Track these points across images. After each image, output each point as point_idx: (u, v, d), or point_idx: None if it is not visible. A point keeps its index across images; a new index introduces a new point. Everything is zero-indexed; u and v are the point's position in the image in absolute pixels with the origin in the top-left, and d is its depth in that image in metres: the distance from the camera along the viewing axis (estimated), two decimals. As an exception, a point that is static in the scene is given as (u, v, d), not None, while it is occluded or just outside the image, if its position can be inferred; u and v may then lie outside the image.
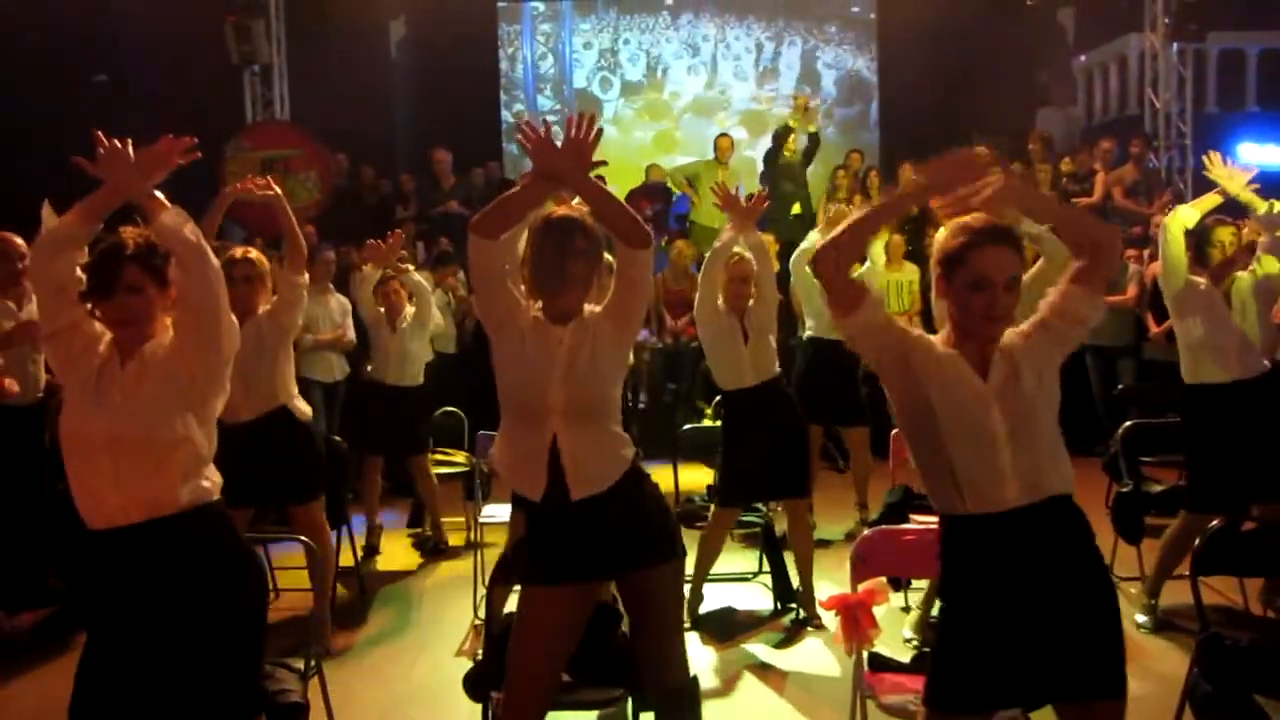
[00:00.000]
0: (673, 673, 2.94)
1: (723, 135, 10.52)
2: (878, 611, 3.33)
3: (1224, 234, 4.74)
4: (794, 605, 5.16)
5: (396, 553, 6.46)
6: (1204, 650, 3.21)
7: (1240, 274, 4.86)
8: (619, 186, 10.90)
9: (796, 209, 10.20)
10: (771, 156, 10.40)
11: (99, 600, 2.63)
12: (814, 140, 10.39)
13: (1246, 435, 4.57)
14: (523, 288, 2.93)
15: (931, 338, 2.54)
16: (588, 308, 2.91)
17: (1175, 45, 11.19)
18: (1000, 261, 2.40)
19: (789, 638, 4.85)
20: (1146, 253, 8.60)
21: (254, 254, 4.53)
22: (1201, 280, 4.71)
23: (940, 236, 2.51)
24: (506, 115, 13.27)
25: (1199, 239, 4.79)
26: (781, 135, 10.31)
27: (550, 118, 13.33)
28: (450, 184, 10.43)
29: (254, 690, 2.75)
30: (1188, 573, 3.41)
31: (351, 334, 7.50)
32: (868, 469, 6.63)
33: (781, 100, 13.17)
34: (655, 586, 2.89)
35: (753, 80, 13.38)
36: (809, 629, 4.93)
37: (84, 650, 2.63)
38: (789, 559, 5.25)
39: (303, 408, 4.70)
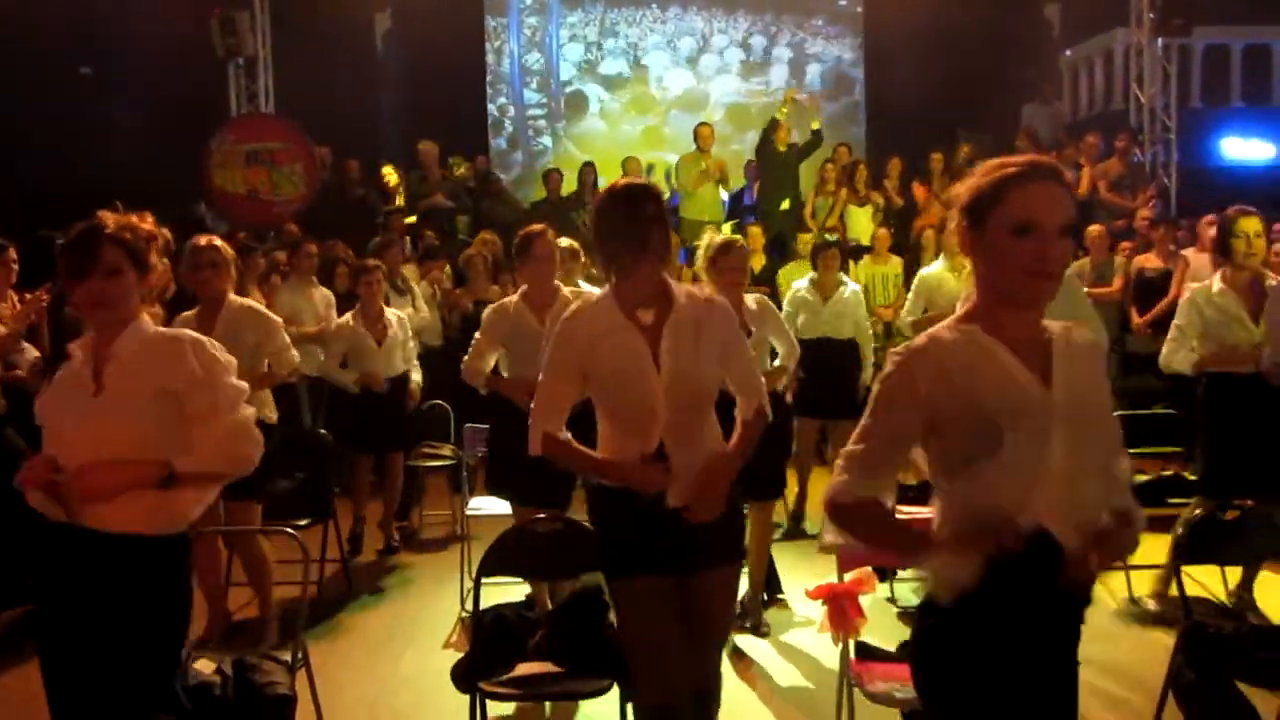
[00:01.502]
0: (708, 679, 2.95)
1: (703, 124, 10.54)
2: (864, 601, 3.35)
3: (1249, 224, 4.56)
4: (781, 595, 5.17)
5: (382, 546, 6.44)
6: (1187, 639, 3.24)
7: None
8: (605, 179, 10.89)
9: (785, 204, 10.22)
10: (761, 149, 10.41)
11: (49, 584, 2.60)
12: (817, 136, 10.42)
13: (1259, 426, 4.59)
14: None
15: (938, 331, 2.00)
16: (683, 290, 2.81)
17: (1160, 40, 11.24)
18: (1052, 199, 1.89)
19: (776, 627, 4.86)
20: (1132, 246, 8.65)
21: (218, 241, 4.62)
22: (1214, 287, 4.67)
23: (966, 181, 2.02)
24: (492, 109, 13.25)
25: (1221, 230, 4.70)
26: (770, 129, 10.32)
27: (536, 111, 13.37)
28: (437, 177, 10.41)
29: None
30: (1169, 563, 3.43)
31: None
32: None
33: (770, 94, 13.19)
34: (722, 588, 2.88)
35: (739, 74, 13.38)
36: (796, 618, 4.94)
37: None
38: (774, 551, 5.26)
39: (266, 412, 4.64)
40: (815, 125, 10.46)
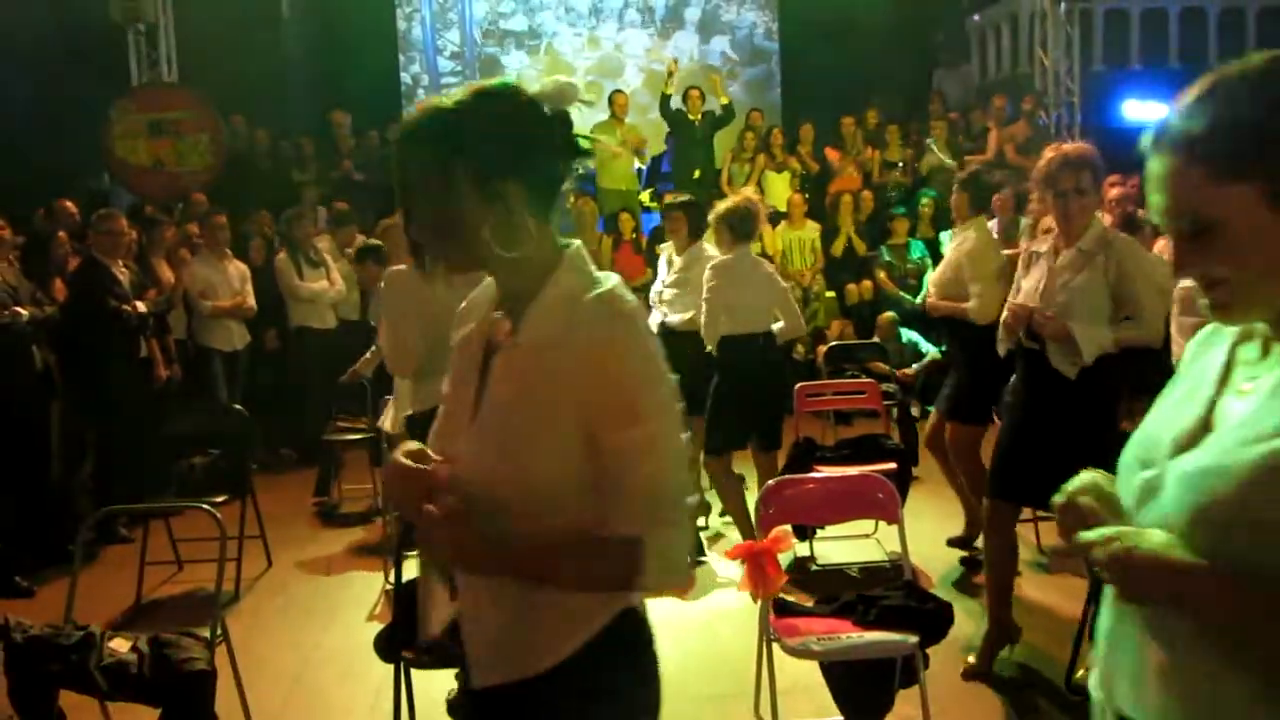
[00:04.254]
0: None
1: (618, 92, 10.51)
2: (783, 559, 3.42)
3: None
4: (703, 559, 5.25)
5: (302, 521, 6.37)
6: (1098, 586, 3.39)
7: None
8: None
9: (697, 174, 10.26)
10: (670, 119, 10.47)
11: None
12: (728, 110, 10.43)
13: None
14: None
15: None
16: (567, 285, 1.56)
17: (1063, 4, 11.48)
18: None
19: (699, 588, 4.94)
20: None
21: None
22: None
23: None
24: (405, 77, 13.02)
25: None
26: (664, 101, 10.46)
27: (450, 80, 13.17)
28: (349, 147, 10.23)
29: None
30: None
31: (251, 300, 7.35)
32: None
33: (686, 59, 13.18)
34: None
35: (655, 39, 13.33)
36: (719, 579, 5.02)
37: None
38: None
39: None
40: (724, 100, 10.51)
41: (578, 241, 1.61)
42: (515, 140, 1.51)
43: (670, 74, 10.55)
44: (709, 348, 5.10)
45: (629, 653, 1.57)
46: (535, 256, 1.54)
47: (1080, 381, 3.63)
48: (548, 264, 1.56)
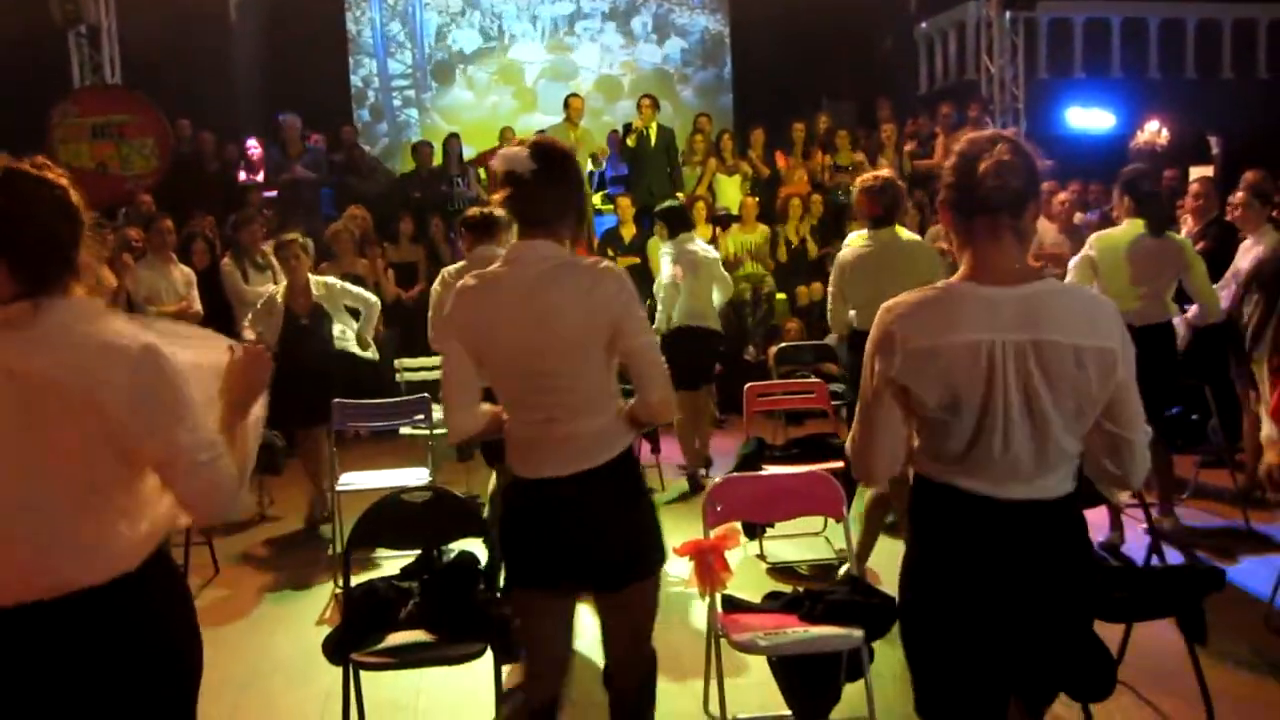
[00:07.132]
0: (639, 675, 2.89)
1: (574, 96, 10.49)
2: (730, 556, 3.45)
3: None
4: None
5: (250, 528, 6.31)
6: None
7: None
8: (475, 148, 10.81)
9: (653, 177, 10.29)
10: (623, 146, 10.53)
11: None
12: (666, 133, 10.37)
13: None
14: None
15: None
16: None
17: (1008, 13, 11.68)
18: None
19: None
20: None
21: None
22: None
23: None
24: (356, 80, 12.95)
25: None
26: (625, 130, 10.48)
27: (401, 82, 13.12)
28: (298, 150, 10.13)
29: None
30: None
31: (197, 305, 7.25)
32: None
33: (638, 63, 13.23)
34: (636, 600, 2.78)
35: (607, 43, 13.38)
36: (669, 578, 5.03)
37: None
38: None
39: None
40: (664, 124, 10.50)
41: None
42: None
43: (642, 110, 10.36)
44: None
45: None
46: None
47: None
48: None
